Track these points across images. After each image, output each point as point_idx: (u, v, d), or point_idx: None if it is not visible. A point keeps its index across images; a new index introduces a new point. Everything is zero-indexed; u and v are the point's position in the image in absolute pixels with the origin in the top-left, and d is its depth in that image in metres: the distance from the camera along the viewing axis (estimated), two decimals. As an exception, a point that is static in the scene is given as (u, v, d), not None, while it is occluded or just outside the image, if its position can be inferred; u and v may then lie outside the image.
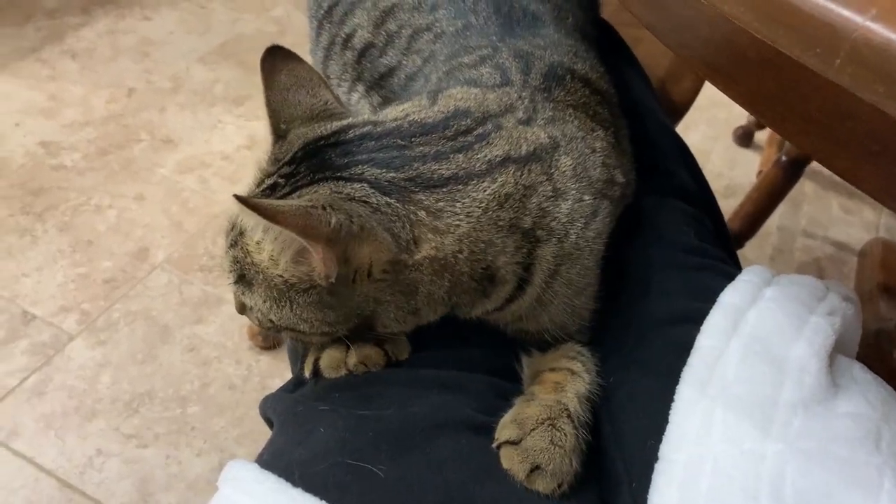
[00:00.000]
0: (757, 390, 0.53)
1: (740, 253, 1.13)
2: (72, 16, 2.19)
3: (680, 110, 1.14)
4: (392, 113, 0.62)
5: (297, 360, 0.69)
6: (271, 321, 0.59)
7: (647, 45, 1.08)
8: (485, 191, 0.57)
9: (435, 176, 0.56)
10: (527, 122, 0.62)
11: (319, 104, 0.63)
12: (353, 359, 0.62)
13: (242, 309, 0.62)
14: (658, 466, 0.52)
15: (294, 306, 0.57)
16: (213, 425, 1.29)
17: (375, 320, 0.59)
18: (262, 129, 1.89)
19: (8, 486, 1.16)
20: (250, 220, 0.53)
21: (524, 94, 0.64)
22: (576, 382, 0.63)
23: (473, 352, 0.67)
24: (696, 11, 0.50)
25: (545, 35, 0.74)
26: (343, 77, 0.89)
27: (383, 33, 0.83)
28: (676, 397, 0.55)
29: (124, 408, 1.29)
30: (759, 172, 1.98)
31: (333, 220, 0.51)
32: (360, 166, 0.56)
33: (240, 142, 1.86)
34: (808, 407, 0.52)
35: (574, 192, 0.61)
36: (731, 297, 0.61)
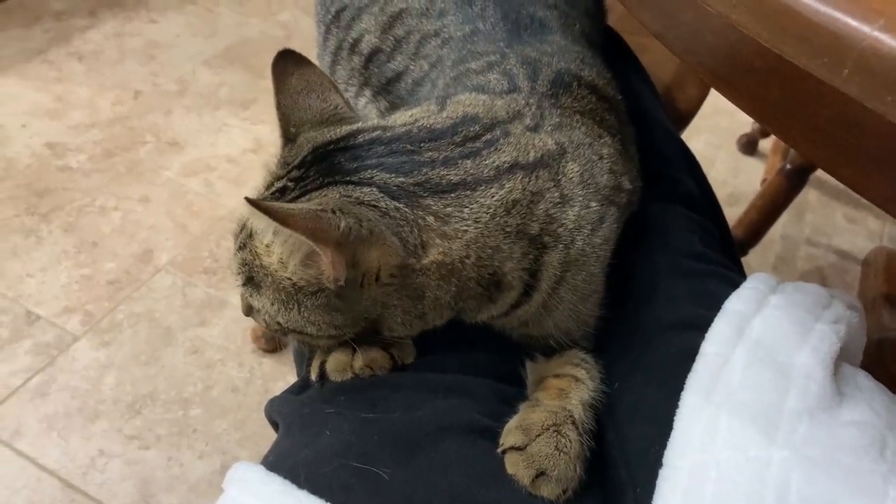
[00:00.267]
0: (762, 397, 0.53)
1: (743, 261, 1.13)
2: (79, 18, 2.19)
3: (685, 118, 1.15)
4: (401, 118, 0.62)
5: (302, 363, 0.70)
6: (279, 323, 0.59)
7: (652, 53, 1.08)
8: (492, 196, 0.57)
9: (443, 181, 0.57)
10: (534, 128, 0.62)
11: (330, 108, 0.64)
12: (359, 362, 0.62)
13: (249, 311, 0.63)
14: (662, 473, 0.52)
15: (302, 309, 0.57)
16: (215, 427, 1.29)
17: (382, 324, 0.59)
18: (267, 132, 1.89)
19: (10, 485, 1.16)
20: (261, 223, 0.53)
21: (532, 100, 0.65)
22: (580, 389, 0.63)
23: (479, 356, 0.67)
24: (703, 20, 0.50)
25: (552, 42, 0.74)
26: (350, 82, 0.89)
27: (391, 38, 0.84)
28: (681, 404, 0.55)
29: (127, 409, 1.29)
30: (763, 181, 1.98)
31: (343, 224, 0.51)
32: (369, 171, 0.56)
33: (245, 145, 1.87)
34: (813, 414, 0.52)
35: (581, 198, 0.61)
36: (736, 304, 0.61)
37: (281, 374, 1.39)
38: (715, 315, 0.60)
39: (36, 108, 1.86)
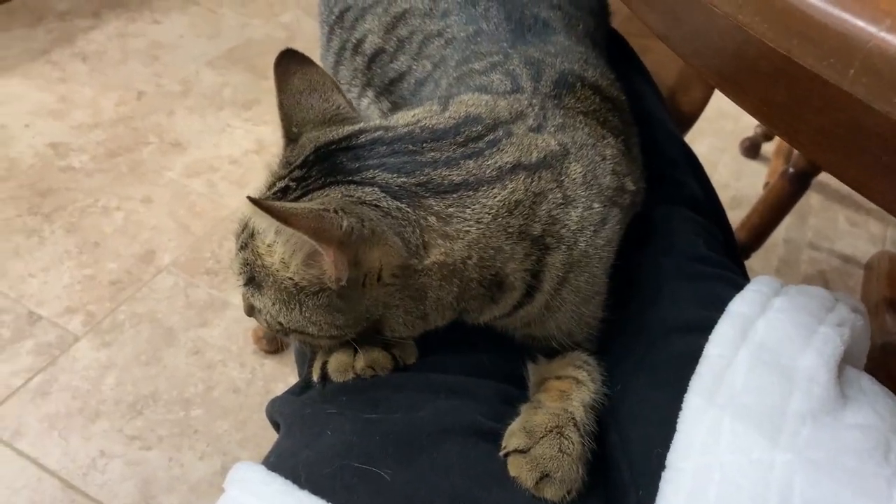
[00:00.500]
0: (765, 400, 0.53)
1: (746, 265, 1.13)
2: (82, 18, 2.20)
3: (688, 120, 1.14)
4: (403, 118, 0.62)
5: (304, 363, 0.70)
6: (280, 323, 0.59)
7: (655, 55, 1.08)
8: (495, 197, 0.57)
9: (445, 182, 0.57)
10: (537, 129, 0.62)
11: (332, 108, 0.64)
12: (360, 363, 0.62)
13: (251, 311, 0.62)
14: (665, 475, 0.52)
15: (303, 309, 0.57)
16: (216, 428, 1.29)
17: (384, 324, 0.59)
18: (269, 133, 1.89)
19: (11, 485, 1.16)
20: (263, 222, 0.53)
21: (535, 101, 0.64)
22: (581, 391, 0.63)
23: (482, 357, 0.67)
24: (709, 21, 0.50)
25: (556, 42, 0.74)
26: (353, 82, 0.89)
27: (394, 39, 0.84)
28: (684, 406, 0.55)
29: (128, 409, 1.29)
30: (766, 184, 1.98)
31: (345, 224, 0.51)
32: (371, 171, 0.56)
33: (248, 146, 1.87)
34: (816, 417, 0.52)
35: (584, 199, 0.61)
36: (739, 306, 0.61)
37: (282, 376, 1.39)
38: (719, 317, 0.60)
39: (39, 108, 1.86)
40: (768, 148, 2.15)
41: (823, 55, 0.41)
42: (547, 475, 0.55)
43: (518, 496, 0.55)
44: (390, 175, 0.56)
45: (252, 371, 1.39)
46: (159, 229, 1.62)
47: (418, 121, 0.61)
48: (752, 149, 2.16)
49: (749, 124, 2.20)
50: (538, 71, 0.68)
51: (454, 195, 0.56)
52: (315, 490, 0.51)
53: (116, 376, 1.34)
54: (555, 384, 0.64)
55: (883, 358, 1.09)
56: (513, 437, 0.57)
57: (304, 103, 0.63)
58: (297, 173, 0.58)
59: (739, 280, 0.71)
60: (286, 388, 0.68)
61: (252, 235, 0.58)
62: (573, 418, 0.60)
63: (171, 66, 2.10)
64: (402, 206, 0.55)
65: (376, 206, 0.54)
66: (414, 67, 0.81)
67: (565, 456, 0.56)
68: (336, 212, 0.51)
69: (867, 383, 0.57)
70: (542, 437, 0.57)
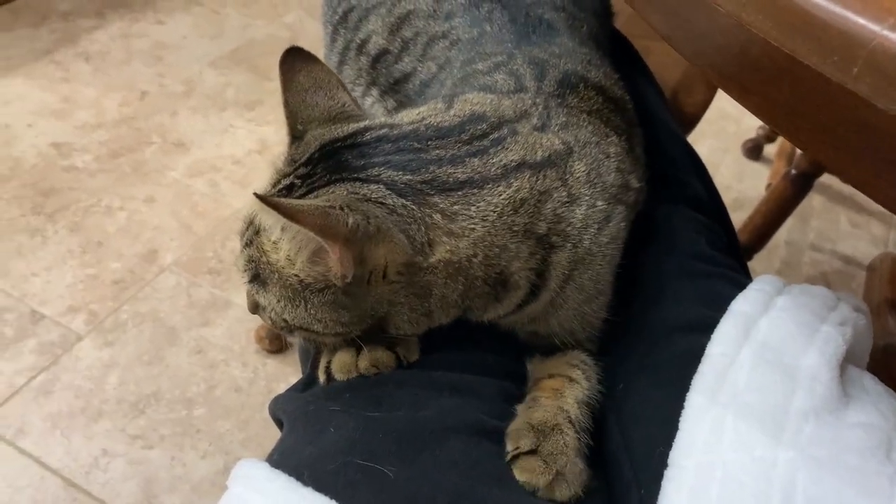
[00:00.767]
0: (768, 398, 0.53)
1: (748, 266, 1.13)
2: (86, 18, 2.20)
3: (691, 121, 1.15)
4: (408, 116, 0.62)
5: (307, 361, 0.70)
6: (285, 321, 0.59)
7: (658, 56, 1.08)
8: (500, 195, 0.57)
9: (450, 179, 0.57)
10: (542, 128, 0.62)
11: (337, 106, 0.64)
12: (364, 362, 0.62)
13: (255, 308, 0.63)
14: (668, 473, 0.52)
15: (309, 306, 0.57)
16: (218, 428, 1.29)
17: (388, 322, 0.59)
18: (272, 133, 1.89)
19: (14, 484, 1.16)
20: (269, 219, 0.53)
21: (538, 100, 0.65)
22: (574, 389, 0.63)
23: (485, 355, 0.67)
24: (713, 20, 0.50)
25: (560, 43, 0.74)
26: (357, 82, 0.89)
27: (398, 40, 0.84)
28: (686, 404, 0.55)
29: (130, 409, 1.29)
30: (768, 185, 1.98)
31: (351, 221, 0.51)
32: (376, 168, 0.56)
33: (250, 146, 1.87)
34: (819, 415, 0.52)
35: (588, 197, 0.61)
36: (742, 305, 0.61)
37: (284, 375, 1.39)
38: (721, 316, 0.60)
39: (42, 108, 1.87)
40: (770, 149, 2.15)
41: (826, 53, 0.41)
42: (560, 473, 0.55)
43: (521, 495, 0.55)
44: (396, 172, 0.56)
45: (254, 370, 1.39)
46: (162, 229, 1.62)
47: (423, 119, 0.61)
48: (754, 150, 2.17)
49: (751, 126, 2.20)
50: (542, 71, 0.68)
51: (459, 193, 0.56)
52: (318, 487, 0.51)
53: (119, 375, 1.34)
54: (548, 383, 0.64)
55: (885, 359, 1.09)
56: (522, 439, 0.57)
57: (309, 101, 0.63)
58: (302, 171, 0.58)
59: (742, 279, 0.71)
60: (288, 388, 0.68)
61: (257, 232, 0.58)
62: (568, 416, 0.60)
63: (174, 66, 2.10)
64: (408, 203, 0.55)
65: (382, 203, 0.54)
66: (419, 69, 0.81)
67: (569, 450, 0.57)
68: (342, 209, 0.51)
69: (870, 382, 0.57)
70: (548, 435, 0.57)
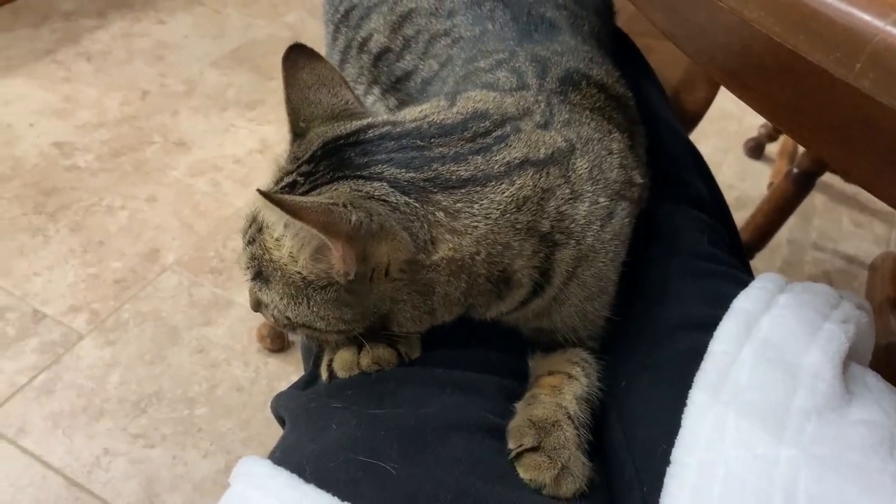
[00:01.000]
0: (770, 396, 0.53)
1: (750, 265, 1.13)
2: (87, 18, 2.20)
3: (693, 119, 1.14)
4: (411, 114, 0.62)
5: (309, 358, 0.70)
6: (287, 318, 0.59)
7: (659, 55, 1.08)
8: (503, 193, 0.57)
9: (453, 177, 0.57)
10: (544, 125, 0.62)
11: (340, 104, 0.64)
12: (366, 360, 0.62)
13: (257, 306, 0.63)
14: (670, 470, 0.52)
15: (311, 303, 0.57)
16: (220, 427, 1.29)
17: (391, 319, 0.59)
18: (273, 133, 1.89)
19: (16, 483, 1.16)
20: (271, 216, 0.53)
21: (541, 97, 0.65)
22: (573, 385, 0.63)
23: (487, 353, 0.67)
24: (715, 17, 0.50)
25: (562, 41, 0.74)
26: (359, 80, 0.89)
27: (400, 38, 0.84)
28: (689, 402, 0.55)
29: (132, 408, 1.29)
30: (770, 184, 1.98)
31: (354, 218, 0.51)
32: (379, 166, 0.56)
33: (252, 146, 1.87)
34: (821, 413, 0.52)
35: (590, 194, 0.61)
36: (744, 303, 0.61)
37: (286, 374, 1.39)
38: (723, 314, 0.60)
39: (44, 108, 1.87)
40: (772, 148, 2.15)
41: (829, 49, 0.41)
42: (565, 467, 0.55)
43: (525, 492, 0.55)
44: (398, 170, 0.56)
45: (256, 370, 1.39)
46: (163, 228, 1.62)
47: (426, 116, 0.61)
48: (756, 149, 2.16)
49: (753, 125, 2.20)
50: (544, 68, 0.68)
51: (462, 190, 0.56)
52: (320, 484, 0.51)
53: (120, 375, 1.34)
54: (547, 380, 0.64)
55: (887, 358, 1.09)
56: (525, 436, 0.57)
57: (311, 98, 0.63)
58: (304, 168, 0.58)
59: (744, 277, 0.71)
60: (290, 385, 0.68)
61: (260, 230, 0.58)
62: (567, 412, 0.60)
63: (175, 65, 2.10)
64: (411, 201, 0.55)
65: (385, 200, 0.54)
66: (420, 67, 0.81)
67: (570, 444, 0.57)
68: (345, 206, 0.51)
69: (872, 380, 0.57)
70: (549, 431, 0.57)
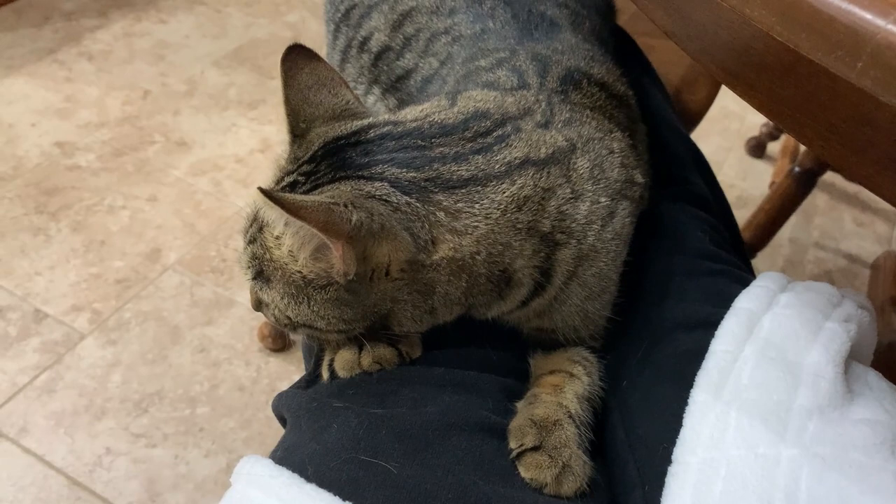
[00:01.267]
0: (771, 395, 0.53)
1: (752, 263, 1.13)
2: (88, 18, 2.21)
3: (694, 119, 1.14)
4: (412, 113, 0.62)
5: (310, 358, 0.70)
6: (288, 318, 0.59)
7: (660, 54, 1.08)
8: (503, 192, 0.57)
9: (454, 177, 0.57)
10: (545, 125, 0.62)
11: (341, 104, 0.63)
12: (367, 360, 0.62)
13: (258, 306, 0.62)
14: (671, 469, 0.52)
15: (311, 303, 0.57)
16: (221, 426, 1.29)
17: (392, 319, 0.59)
18: (275, 132, 1.89)
19: (17, 482, 1.17)
20: (272, 214, 0.53)
21: (541, 97, 0.65)
22: (574, 384, 0.63)
23: (488, 352, 0.67)
24: (716, 16, 0.50)
25: (563, 40, 0.74)
26: (359, 80, 0.89)
27: (400, 36, 0.84)
28: (690, 401, 0.55)
29: (134, 407, 1.30)
30: (772, 183, 1.98)
31: (354, 218, 0.51)
32: (380, 166, 0.56)
33: (253, 145, 1.87)
34: (823, 412, 0.52)
35: (591, 193, 0.61)
36: (745, 302, 0.61)
37: (287, 373, 1.39)
38: (725, 313, 0.60)
39: (45, 108, 1.87)
40: (774, 147, 2.15)
41: (831, 48, 0.41)
42: (567, 466, 0.55)
43: (526, 491, 0.55)
44: (399, 170, 0.56)
45: (257, 369, 1.39)
46: (165, 228, 1.62)
47: (427, 116, 0.61)
48: (757, 148, 2.16)
49: (754, 123, 2.19)
50: (544, 67, 0.68)
51: (463, 190, 0.56)
52: (322, 483, 0.51)
53: (122, 374, 1.34)
54: (548, 379, 0.64)
55: (889, 357, 1.09)
56: (526, 435, 0.57)
57: (312, 99, 0.63)
58: (305, 168, 0.58)
59: (746, 276, 0.71)
60: (291, 385, 0.68)
61: (261, 229, 0.58)
62: (568, 411, 0.60)
63: (176, 65, 2.10)
64: (412, 200, 0.55)
65: (385, 200, 0.54)
66: (420, 65, 0.81)
67: (571, 443, 0.57)
68: (346, 206, 0.51)
69: (874, 379, 0.57)
70: (551, 431, 0.57)
